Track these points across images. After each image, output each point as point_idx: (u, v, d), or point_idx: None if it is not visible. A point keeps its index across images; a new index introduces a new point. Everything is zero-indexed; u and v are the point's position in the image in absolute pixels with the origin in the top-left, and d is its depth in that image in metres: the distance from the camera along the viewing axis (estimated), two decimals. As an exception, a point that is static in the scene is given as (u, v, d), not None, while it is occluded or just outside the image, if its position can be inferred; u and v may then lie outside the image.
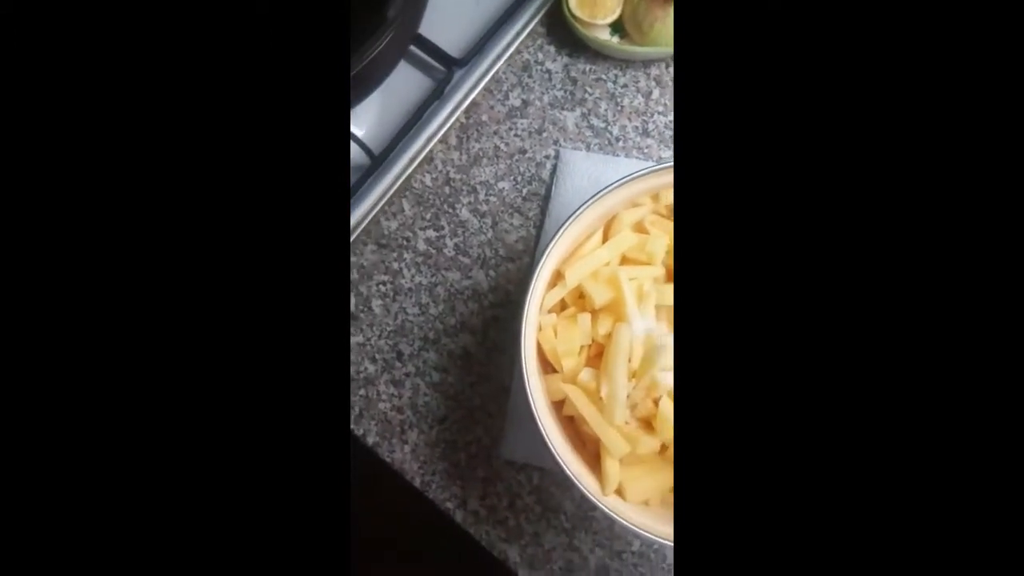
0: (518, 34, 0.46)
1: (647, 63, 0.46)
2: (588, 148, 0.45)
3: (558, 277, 0.35)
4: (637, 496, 0.32)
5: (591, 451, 0.34)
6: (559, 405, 0.35)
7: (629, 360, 0.33)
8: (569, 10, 0.44)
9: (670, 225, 0.36)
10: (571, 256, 0.35)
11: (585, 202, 0.33)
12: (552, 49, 0.46)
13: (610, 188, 0.34)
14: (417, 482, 0.41)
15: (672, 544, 0.30)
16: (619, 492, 0.32)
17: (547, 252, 0.33)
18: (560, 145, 0.45)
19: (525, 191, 0.45)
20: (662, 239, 0.35)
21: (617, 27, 0.45)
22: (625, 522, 0.30)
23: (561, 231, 0.33)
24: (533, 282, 0.33)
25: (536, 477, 0.40)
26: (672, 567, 0.38)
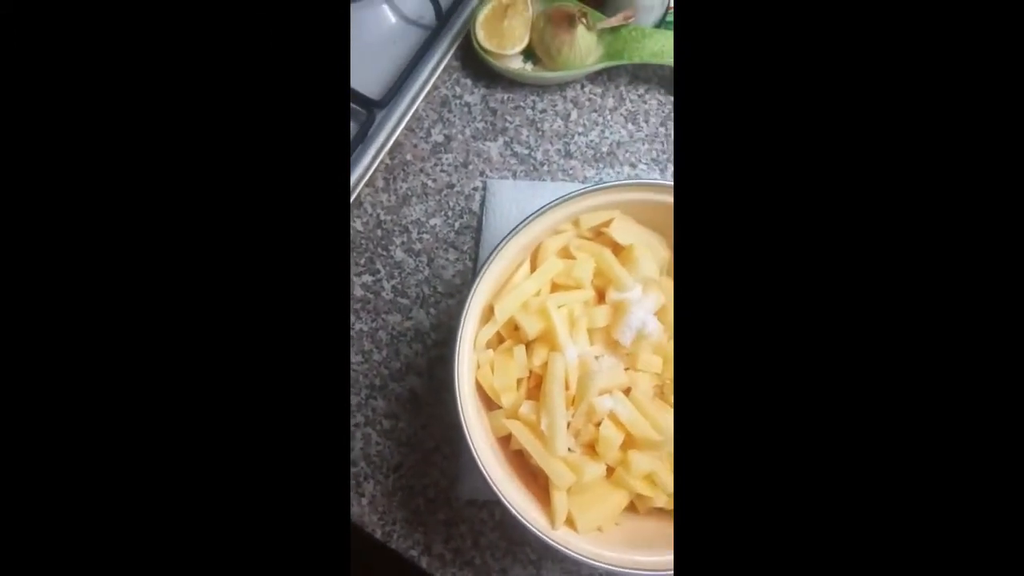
0: (433, 70, 0.46)
1: (563, 86, 0.46)
2: (515, 176, 0.45)
3: (491, 312, 0.35)
4: (588, 525, 0.32)
5: (542, 484, 0.34)
6: (506, 440, 0.35)
7: (568, 388, 0.33)
8: (479, 43, 0.45)
9: (595, 247, 0.36)
10: (502, 289, 0.35)
11: (504, 238, 0.34)
12: (469, 82, 0.47)
13: (528, 220, 0.34)
14: (378, 533, 0.40)
15: (639, 572, 0.30)
16: (570, 523, 0.32)
17: (472, 291, 0.33)
18: (487, 176, 0.45)
19: (457, 225, 0.45)
20: (588, 263, 0.36)
21: (529, 54, 0.46)
22: (576, 554, 0.29)
23: (484, 270, 0.33)
24: (462, 322, 0.33)
25: (498, 512, 0.40)
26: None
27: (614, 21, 0.43)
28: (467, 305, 0.33)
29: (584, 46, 0.43)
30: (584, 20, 0.42)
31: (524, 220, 0.34)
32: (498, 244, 0.34)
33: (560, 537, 0.30)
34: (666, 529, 0.33)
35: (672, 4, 0.44)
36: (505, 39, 0.44)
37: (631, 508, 0.35)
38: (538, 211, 0.34)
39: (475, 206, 0.45)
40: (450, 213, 0.45)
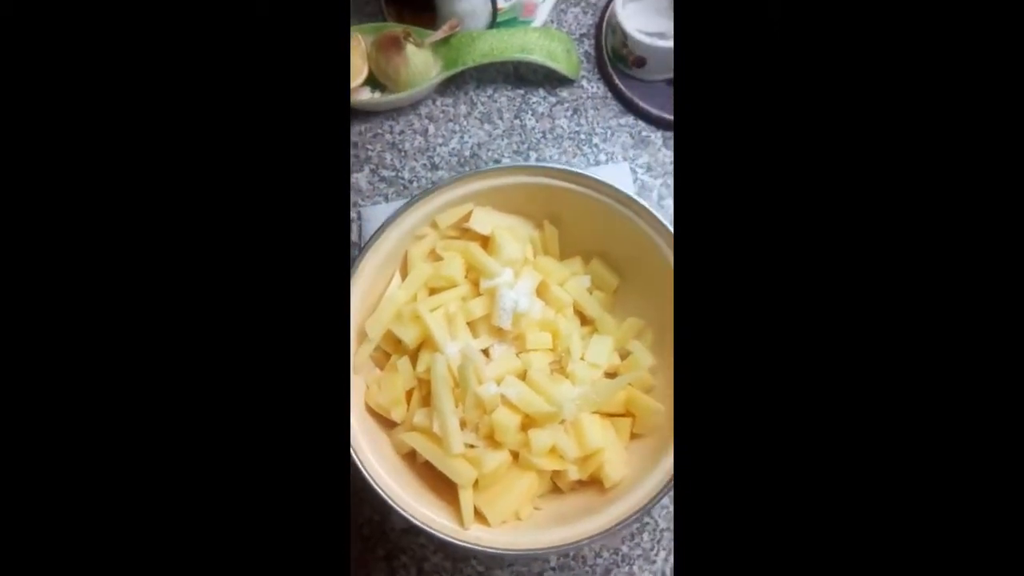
0: (289, 121, 0.47)
1: (415, 104, 0.47)
2: (387, 199, 0.46)
3: (364, 335, 0.34)
4: (499, 516, 0.31)
5: (455, 487, 0.33)
6: (413, 456, 0.34)
7: (457, 386, 0.33)
8: (323, 84, 0.46)
9: (460, 244, 0.37)
10: (376, 309, 0.35)
11: (358, 255, 0.34)
12: (325, 123, 0.48)
13: (378, 234, 0.34)
14: (323, 587, 0.38)
15: (550, 549, 0.29)
16: (481, 519, 0.31)
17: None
18: (359, 205, 0.46)
19: (342, 260, 0.45)
20: (455, 259, 0.36)
21: (375, 84, 0.47)
22: (486, 549, 0.29)
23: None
24: (332, 348, 0.32)
25: (438, 533, 0.38)
26: (593, 568, 0.37)
27: (440, 34, 0.44)
28: (333, 329, 0.32)
29: (420, 63, 0.45)
30: (410, 39, 0.44)
31: (373, 235, 0.34)
32: (353, 263, 0.34)
33: (471, 536, 0.29)
34: (586, 501, 0.32)
35: (500, 5, 0.46)
36: (345, 74, 0.45)
37: (555, 490, 0.34)
38: (384, 223, 0.34)
39: (356, 237, 0.45)
40: (333, 251, 0.45)
